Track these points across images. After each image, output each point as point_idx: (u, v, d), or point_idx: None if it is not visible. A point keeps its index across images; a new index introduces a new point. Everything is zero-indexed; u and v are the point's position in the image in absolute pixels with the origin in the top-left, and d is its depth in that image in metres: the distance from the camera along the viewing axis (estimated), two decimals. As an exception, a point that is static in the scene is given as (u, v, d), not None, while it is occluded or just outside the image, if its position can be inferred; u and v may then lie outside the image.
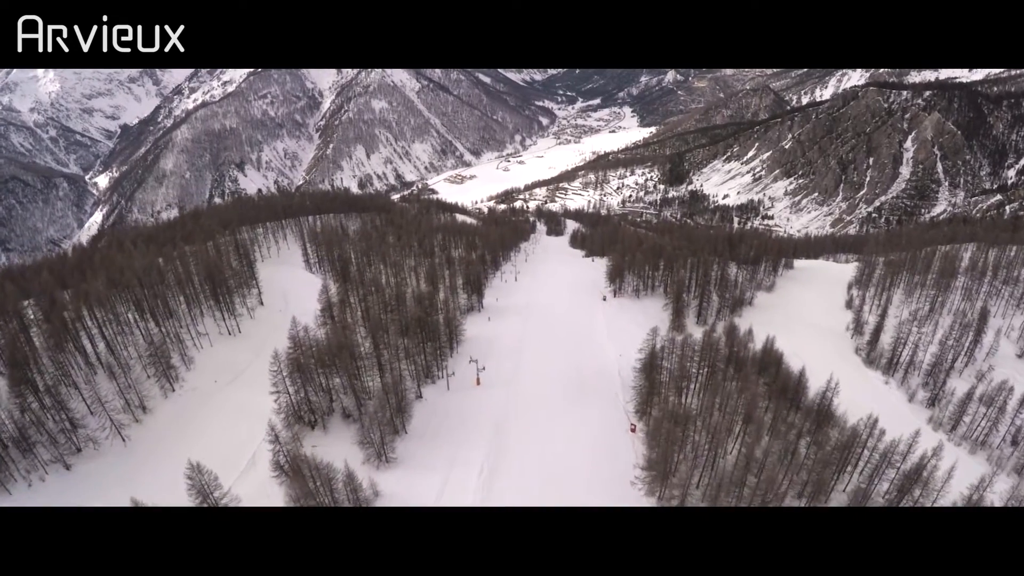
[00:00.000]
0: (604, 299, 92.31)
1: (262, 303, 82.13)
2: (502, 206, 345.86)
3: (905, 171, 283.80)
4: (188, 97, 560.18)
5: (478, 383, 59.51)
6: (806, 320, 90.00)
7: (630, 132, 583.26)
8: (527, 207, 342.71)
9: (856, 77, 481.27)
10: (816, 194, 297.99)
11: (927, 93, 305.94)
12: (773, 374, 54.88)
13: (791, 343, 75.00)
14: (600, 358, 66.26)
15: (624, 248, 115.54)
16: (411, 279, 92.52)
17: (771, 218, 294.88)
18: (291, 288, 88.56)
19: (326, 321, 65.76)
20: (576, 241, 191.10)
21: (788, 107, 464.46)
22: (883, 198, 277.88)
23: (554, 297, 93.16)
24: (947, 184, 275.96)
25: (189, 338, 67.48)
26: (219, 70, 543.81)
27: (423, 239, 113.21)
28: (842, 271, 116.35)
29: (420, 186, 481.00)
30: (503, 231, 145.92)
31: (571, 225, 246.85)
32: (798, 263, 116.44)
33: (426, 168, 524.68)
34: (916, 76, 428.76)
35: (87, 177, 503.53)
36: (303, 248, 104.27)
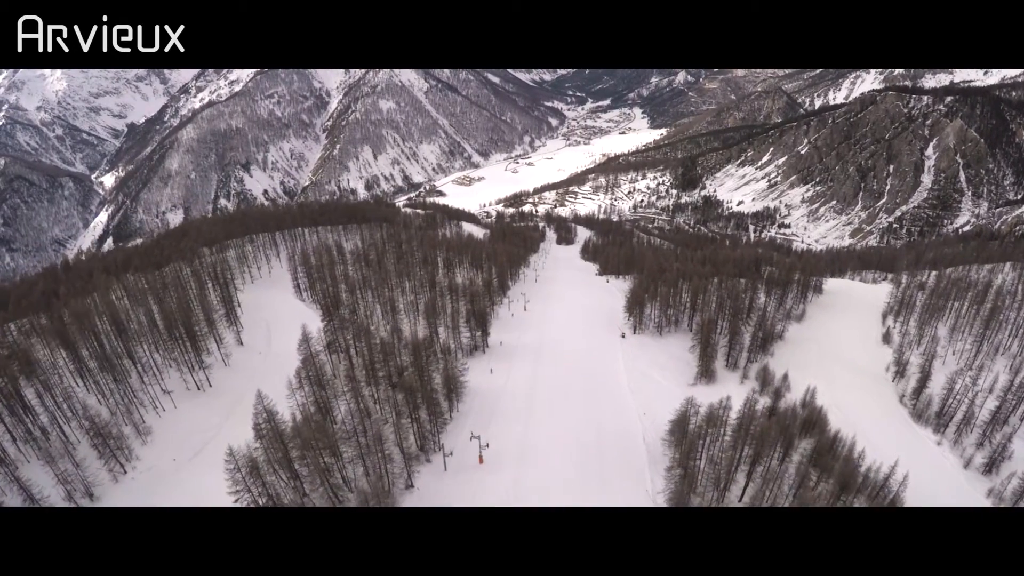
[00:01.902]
0: (623, 336, 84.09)
1: (241, 342, 74.25)
2: (511, 210, 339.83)
3: (927, 180, 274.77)
4: (195, 96, 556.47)
5: (481, 461, 50.54)
6: (842, 358, 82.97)
7: (640, 134, 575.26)
8: (536, 211, 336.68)
9: (870, 80, 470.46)
10: (834, 202, 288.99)
11: (948, 99, 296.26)
12: (828, 458, 47.35)
13: (831, 391, 68.50)
14: (622, 419, 58.22)
15: (643, 270, 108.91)
16: (409, 316, 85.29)
17: (788, 227, 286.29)
18: (276, 319, 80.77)
19: (301, 384, 56.44)
20: (588, 252, 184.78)
21: (801, 110, 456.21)
22: (904, 208, 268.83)
23: (567, 333, 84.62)
24: (970, 194, 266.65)
25: (149, 398, 58.92)
26: (226, 69, 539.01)
27: (425, 258, 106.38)
28: (874, 295, 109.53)
29: (428, 187, 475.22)
30: (511, 248, 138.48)
31: (582, 233, 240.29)
32: (827, 285, 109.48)
33: (434, 169, 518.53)
34: (931, 79, 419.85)
35: (93, 176, 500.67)
36: (293, 272, 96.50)
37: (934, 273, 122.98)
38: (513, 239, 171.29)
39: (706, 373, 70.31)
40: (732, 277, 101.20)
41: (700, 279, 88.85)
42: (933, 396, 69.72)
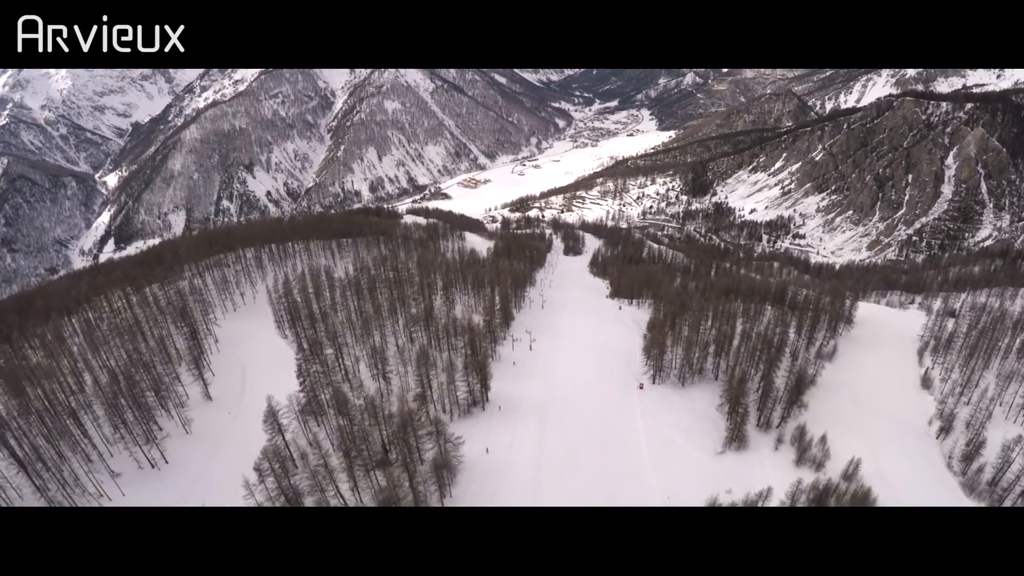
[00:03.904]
0: (641, 387, 75.46)
1: (209, 396, 66.21)
2: (516, 215, 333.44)
3: (947, 190, 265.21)
4: (199, 96, 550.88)
5: None
6: (880, 408, 75.11)
7: (648, 136, 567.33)
8: (542, 216, 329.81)
9: (881, 83, 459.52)
10: (851, 212, 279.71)
11: (968, 106, 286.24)
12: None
13: (872, 454, 61.50)
14: (643, 499, 50.43)
15: (659, 298, 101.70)
16: (401, 362, 77.65)
17: (802, 237, 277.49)
18: (253, 361, 73.03)
19: (262, 479, 47.10)
20: (597, 267, 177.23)
21: (812, 113, 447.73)
22: (924, 220, 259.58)
23: (577, 381, 75.14)
24: (992, 206, 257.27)
25: (94, 484, 50.96)
26: (230, 69, 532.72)
27: (422, 283, 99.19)
28: (905, 324, 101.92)
29: (433, 190, 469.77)
30: (516, 266, 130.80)
31: (590, 242, 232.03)
32: (857, 315, 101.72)
33: (439, 171, 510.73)
34: (943, 83, 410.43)
35: (97, 176, 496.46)
36: (274, 305, 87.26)
37: (966, 300, 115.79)
38: (518, 253, 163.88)
39: (736, 437, 62.55)
40: (758, 303, 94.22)
41: (726, 319, 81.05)
42: (986, 464, 62.18)
